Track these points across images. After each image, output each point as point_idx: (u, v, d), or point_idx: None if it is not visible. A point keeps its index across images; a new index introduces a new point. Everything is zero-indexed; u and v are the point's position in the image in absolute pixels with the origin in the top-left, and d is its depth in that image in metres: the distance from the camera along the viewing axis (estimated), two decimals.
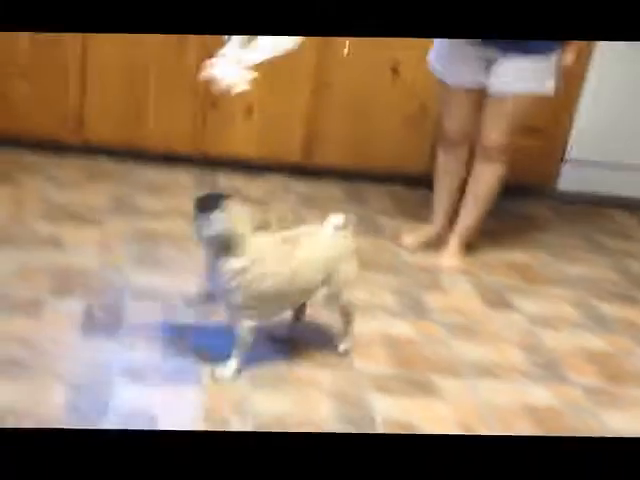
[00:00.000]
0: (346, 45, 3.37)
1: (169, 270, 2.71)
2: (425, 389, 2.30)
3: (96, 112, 3.39)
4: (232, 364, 2.19)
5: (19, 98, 3.32)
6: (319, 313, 2.48)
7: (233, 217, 2.06)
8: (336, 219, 2.28)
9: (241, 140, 3.52)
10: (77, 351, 2.21)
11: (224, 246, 2.06)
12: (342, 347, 2.40)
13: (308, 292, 2.27)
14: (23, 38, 3.23)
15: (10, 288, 2.45)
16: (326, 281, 2.25)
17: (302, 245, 2.20)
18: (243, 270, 2.07)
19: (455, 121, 3.04)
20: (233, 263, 2.06)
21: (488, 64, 2.87)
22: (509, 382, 2.41)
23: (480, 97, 2.95)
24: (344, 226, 2.29)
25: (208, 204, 2.07)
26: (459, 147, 3.10)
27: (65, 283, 2.53)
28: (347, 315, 2.37)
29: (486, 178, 3.04)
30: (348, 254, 2.30)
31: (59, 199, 3.11)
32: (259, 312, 2.18)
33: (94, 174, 3.38)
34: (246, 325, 2.16)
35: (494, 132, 2.94)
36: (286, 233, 2.26)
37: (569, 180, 3.85)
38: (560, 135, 3.75)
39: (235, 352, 2.19)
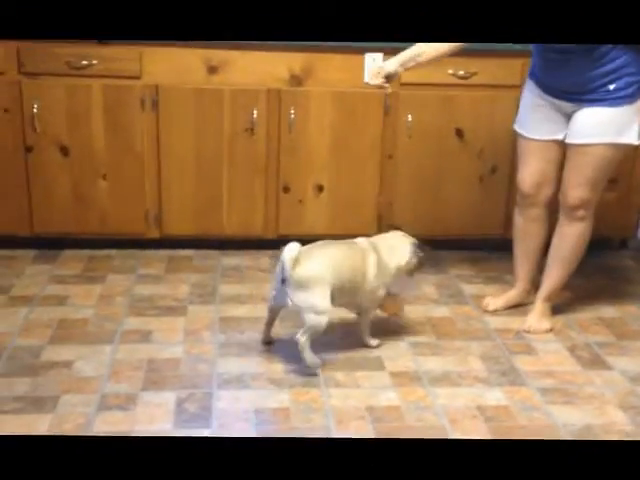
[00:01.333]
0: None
1: (255, 353, 2.73)
2: None
3: (173, 204, 3.50)
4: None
5: (101, 199, 3.45)
6: None
7: None
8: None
9: (314, 219, 3.56)
10: None
11: None
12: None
13: None
14: (100, 139, 3.38)
15: (104, 384, 2.51)
16: None
17: None
18: None
19: (531, 178, 2.96)
20: None
21: (567, 118, 2.84)
22: None
23: (558, 154, 2.90)
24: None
25: None
26: (536, 207, 3.01)
27: (156, 376, 2.57)
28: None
29: (570, 238, 2.94)
30: None
31: (144, 292, 3.19)
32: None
33: (175, 265, 3.47)
34: None
35: (575, 188, 2.85)
36: None
37: None
38: (636, 184, 3.66)
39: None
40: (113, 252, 3.55)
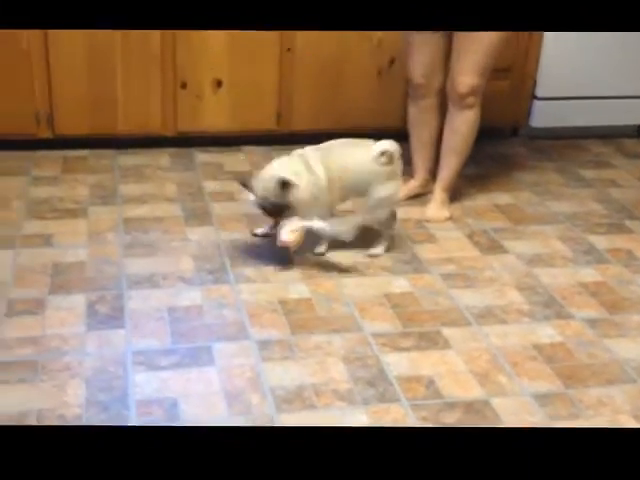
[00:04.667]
0: None
1: (162, 253, 2.71)
2: (434, 342, 2.34)
3: (65, 102, 3.34)
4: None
5: None
6: None
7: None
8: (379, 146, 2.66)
9: (213, 115, 3.49)
10: (87, 346, 2.21)
11: None
12: (372, 251, 2.78)
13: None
14: None
15: (9, 290, 2.44)
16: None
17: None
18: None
19: (420, 68, 3.02)
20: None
21: None
22: (514, 324, 2.45)
23: (445, 41, 2.93)
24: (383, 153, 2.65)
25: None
26: (428, 97, 3.09)
27: (62, 279, 2.52)
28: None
29: (461, 126, 3.03)
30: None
31: (41, 195, 3.08)
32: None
33: (71, 166, 3.35)
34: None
35: (464, 75, 2.91)
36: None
37: (541, 117, 3.87)
38: (529, 73, 3.75)
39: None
40: (3, 154, 3.38)
